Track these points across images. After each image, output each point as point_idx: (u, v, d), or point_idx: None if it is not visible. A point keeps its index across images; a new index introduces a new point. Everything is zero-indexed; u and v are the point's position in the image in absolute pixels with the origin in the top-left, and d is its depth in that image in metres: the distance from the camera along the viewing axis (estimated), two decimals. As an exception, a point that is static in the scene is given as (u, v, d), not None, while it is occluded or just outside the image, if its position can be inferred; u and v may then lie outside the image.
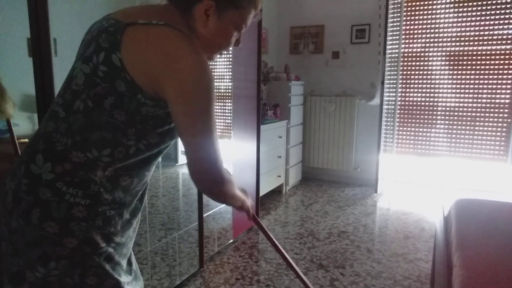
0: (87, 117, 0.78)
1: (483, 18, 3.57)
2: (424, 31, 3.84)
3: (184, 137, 0.79)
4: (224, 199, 0.92)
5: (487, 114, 3.66)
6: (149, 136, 0.83)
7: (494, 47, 3.57)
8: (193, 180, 0.82)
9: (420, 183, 4.12)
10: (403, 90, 4.03)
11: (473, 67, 3.66)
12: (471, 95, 3.71)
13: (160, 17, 0.80)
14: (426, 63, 3.89)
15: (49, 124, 0.81)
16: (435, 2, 3.76)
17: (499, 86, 3.59)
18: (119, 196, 0.84)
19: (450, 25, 3.73)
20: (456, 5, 3.67)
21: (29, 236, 0.78)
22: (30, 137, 0.87)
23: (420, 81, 3.93)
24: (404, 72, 3.99)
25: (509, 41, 3.50)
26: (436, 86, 3.86)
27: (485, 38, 3.59)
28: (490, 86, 3.62)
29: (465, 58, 3.69)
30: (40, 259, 0.78)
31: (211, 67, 0.83)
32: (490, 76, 3.61)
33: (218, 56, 0.98)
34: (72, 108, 0.79)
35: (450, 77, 3.79)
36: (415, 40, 3.90)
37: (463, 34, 3.67)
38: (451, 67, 3.77)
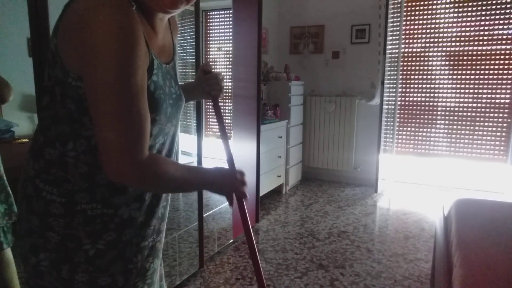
0: (50, 111, 0.76)
1: (483, 18, 3.57)
2: (424, 31, 3.84)
3: (97, 116, 0.71)
4: (161, 190, 0.84)
5: (487, 114, 3.66)
6: None
7: (494, 47, 3.57)
8: (106, 164, 0.70)
9: (420, 183, 4.12)
10: (403, 90, 4.03)
11: (473, 67, 3.66)
12: (471, 95, 3.71)
13: None
14: (426, 63, 3.89)
15: (36, 131, 0.82)
16: (435, 2, 3.76)
17: (499, 86, 3.59)
18: (102, 195, 0.78)
19: (450, 25, 3.73)
20: (456, 5, 3.67)
21: (22, 226, 0.82)
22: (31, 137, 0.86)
23: (420, 81, 3.93)
24: (404, 72, 3.99)
25: (509, 41, 3.50)
26: (436, 86, 3.86)
27: (485, 38, 3.59)
28: (490, 86, 3.62)
29: (465, 58, 3.69)
30: (31, 249, 0.80)
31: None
32: (490, 76, 3.61)
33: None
34: (42, 104, 0.78)
35: (450, 77, 3.79)
36: (415, 40, 3.90)
37: (463, 34, 3.68)
38: (451, 67, 3.77)
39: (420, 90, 3.95)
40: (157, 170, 0.74)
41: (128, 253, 0.84)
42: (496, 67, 3.57)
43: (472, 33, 3.64)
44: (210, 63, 5.00)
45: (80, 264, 0.80)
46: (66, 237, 0.78)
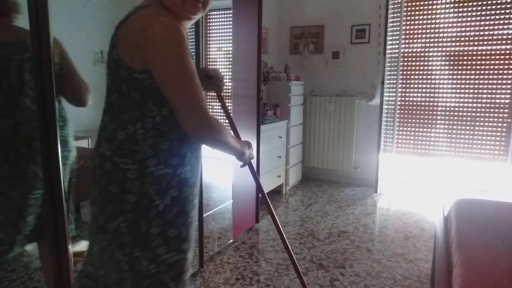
0: (119, 104, 1.02)
1: (483, 18, 3.57)
2: (424, 31, 3.84)
3: (176, 97, 0.98)
4: (222, 145, 1.09)
5: (487, 114, 3.66)
6: (168, 103, 1.00)
7: (494, 47, 3.57)
8: (191, 128, 0.99)
9: (420, 183, 4.12)
10: (403, 90, 4.03)
11: (473, 67, 3.66)
12: (471, 95, 3.71)
13: (141, 3, 1.01)
14: (426, 63, 3.89)
15: (104, 118, 1.06)
16: (435, 2, 3.76)
17: (499, 86, 3.59)
18: (164, 158, 1.04)
19: (450, 25, 3.73)
20: (456, 5, 3.67)
21: (103, 198, 1.04)
22: None
23: (420, 81, 3.93)
24: (404, 72, 3.99)
25: (509, 41, 3.50)
26: (436, 86, 3.86)
27: (485, 38, 3.59)
28: (490, 86, 3.62)
29: (465, 58, 3.69)
30: (112, 215, 1.03)
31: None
32: (490, 76, 3.61)
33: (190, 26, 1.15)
34: (110, 101, 1.04)
35: (450, 77, 3.79)
36: (415, 40, 3.90)
37: (463, 34, 3.68)
38: (451, 67, 3.77)
39: (420, 90, 3.95)
40: (219, 125, 1.03)
41: (187, 208, 1.10)
42: (496, 67, 3.57)
43: (472, 33, 3.63)
44: (208, 65, 5.00)
45: (153, 219, 1.03)
46: (141, 196, 1.02)
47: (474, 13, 3.60)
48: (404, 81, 4.01)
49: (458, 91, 3.77)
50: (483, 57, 3.62)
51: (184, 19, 1.06)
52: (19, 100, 1.47)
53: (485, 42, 3.59)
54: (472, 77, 3.68)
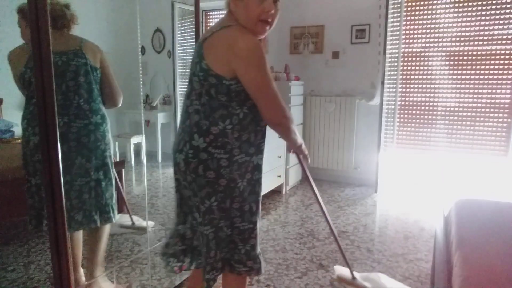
0: (209, 105, 1.27)
1: (483, 18, 3.57)
2: (424, 31, 3.84)
3: (260, 98, 1.26)
4: (289, 133, 1.38)
5: (487, 114, 3.66)
6: (247, 102, 1.28)
7: (494, 47, 3.57)
8: (271, 120, 1.28)
9: (420, 183, 4.12)
10: (403, 90, 4.03)
11: (473, 67, 3.66)
12: (471, 95, 3.71)
13: (222, 23, 1.29)
14: (426, 63, 3.89)
15: (193, 117, 1.30)
16: (435, 2, 3.76)
17: (499, 86, 3.59)
18: (245, 148, 1.32)
19: (450, 25, 3.73)
20: (456, 5, 3.67)
21: (199, 183, 1.29)
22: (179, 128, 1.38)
23: (420, 81, 3.93)
24: (404, 72, 3.99)
25: (509, 41, 3.50)
26: (436, 86, 3.86)
27: (485, 38, 3.59)
28: (490, 86, 3.62)
29: (465, 58, 3.69)
30: (206, 196, 1.30)
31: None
32: (490, 76, 3.60)
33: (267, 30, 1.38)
34: (201, 103, 1.28)
35: (450, 77, 3.79)
36: (415, 40, 3.90)
37: (463, 34, 3.67)
38: (451, 67, 3.77)
39: (420, 90, 3.95)
40: (291, 117, 1.34)
41: (257, 188, 1.39)
42: (496, 67, 3.57)
43: (472, 33, 3.63)
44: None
45: (235, 197, 1.33)
46: (230, 179, 1.30)
47: (474, 13, 3.60)
48: (404, 81, 4.01)
49: (458, 91, 3.77)
50: (483, 57, 3.62)
51: (255, 36, 1.30)
52: (73, 100, 1.69)
53: (485, 42, 3.59)
54: (472, 77, 3.68)
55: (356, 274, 1.93)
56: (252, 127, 1.33)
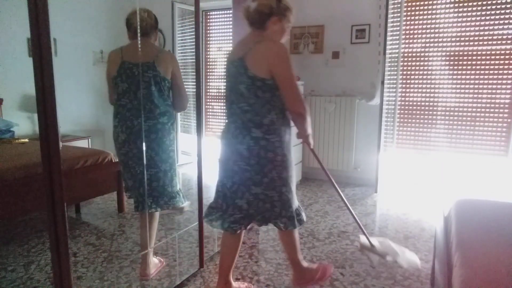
0: (257, 104, 1.67)
1: (483, 18, 3.57)
2: (424, 31, 3.84)
3: (286, 83, 1.65)
4: (305, 121, 1.74)
5: (487, 114, 3.66)
6: (280, 96, 1.69)
7: (494, 47, 3.57)
8: (294, 109, 1.70)
9: (420, 183, 4.12)
10: (403, 90, 4.03)
11: (473, 67, 3.66)
12: (471, 95, 3.71)
13: (253, 39, 1.68)
14: (426, 63, 3.89)
15: (245, 116, 1.69)
16: (435, 2, 3.76)
17: (499, 86, 3.59)
18: (285, 131, 1.75)
19: (450, 25, 3.73)
20: (456, 5, 3.67)
21: (262, 163, 1.70)
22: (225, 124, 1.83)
23: (420, 81, 3.93)
24: (404, 72, 3.99)
25: (509, 41, 3.50)
26: (436, 86, 3.86)
27: (485, 38, 3.59)
28: (490, 86, 3.62)
29: (465, 58, 3.69)
30: (268, 171, 1.71)
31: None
32: (490, 76, 3.61)
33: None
34: (250, 103, 1.68)
35: (450, 77, 3.79)
36: (415, 40, 3.90)
37: (463, 34, 3.68)
38: (451, 67, 3.77)
39: (420, 90, 3.95)
40: (307, 109, 1.72)
41: (292, 161, 1.81)
42: (496, 67, 3.57)
43: (472, 33, 3.64)
44: (208, 65, 4.96)
45: (287, 168, 1.76)
46: (282, 156, 1.73)
47: (474, 13, 3.60)
48: (404, 81, 4.01)
49: (458, 91, 3.77)
50: (483, 57, 3.62)
51: (283, 38, 1.81)
52: (145, 105, 2.03)
53: (485, 42, 3.59)
54: (472, 77, 3.68)
55: (373, 241, 2.16)
56: (287, 115, 1.77)
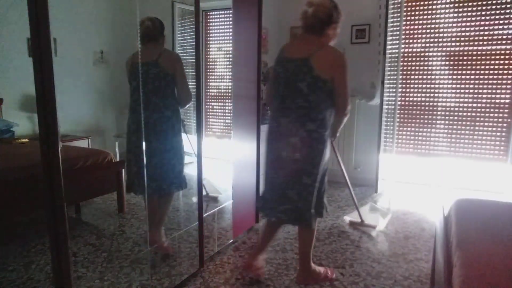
0: (315, 101, 1.86)
1: (483, 18, 3.57)
2: (424, 31, 3.84)
3: (341, 89, 1.88)
4: (343, 122, 2.04)
5: (487, 114, 3.66)
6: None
7: (494, 47, 3.57)
8: (342, 109, 1.93)
9: (420, 183, 4.12)
10: (403, 90, 4.03)
11: (473, 67, 3.66)
12: (471, 95, 3.71)
13: (316, 44, 1.87)
14: (426, 63, 3.89)
15: (301, 111, 1.87)
16: (435, 2, 3.76)
17: (499, 86, 3.59)
18: (329, 127, 1.97)
19: (450, 25, 3.73)
20: (456, 5, 3.67)
21: (313, 154, 1.90)
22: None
23: (420, 81, 3.93)
24: (404, 72, 3.99)
25: (509, 41, 3.50)
26: (436, 86, 3.86)
27: (485, 38, 3.59)
28: (490, 86, 3.62)
29: (465, 58, 3.70)
30: (318, 162, 1.92)
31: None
32: (490, 76, 3.61)
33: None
34: (308, 100, 1.86)
35: (450, 77, 3.79)
36: (415, 40, 3.90)
37: (463, 34, 3.68)
38: (451, 67, 3.77)
39: (420, 90, 3.95)
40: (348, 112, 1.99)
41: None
42: (496, 67, 3.57)
43: (472, 33, 3.64)
44: (208, 65, 4.99)
45: (326, 153, 1.96)
46: (328, 147, 1.96)
47: (474, 13, 3.60)
48: (404, 81, 4.01)
49: (458, 91, 3.77)
50: (483, 57, 3.62)
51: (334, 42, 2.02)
52: (151, 99, 2.25)
53: (485, 42, 3.59)
54: (472, 77, 3.68)
55: (362, 214, 2.82)
56: (333, 113, 1.98)
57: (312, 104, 1.86)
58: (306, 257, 2.11)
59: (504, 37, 3.52)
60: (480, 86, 3.66)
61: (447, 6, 3.71)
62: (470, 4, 3.60)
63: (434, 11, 3.77)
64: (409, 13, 3.88)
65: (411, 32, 3.90)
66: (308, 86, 1.83)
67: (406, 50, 3.95)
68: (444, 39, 3.76)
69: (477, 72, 3.65)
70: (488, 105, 3.65)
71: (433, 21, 3.79)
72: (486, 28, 3.57)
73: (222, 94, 5.20)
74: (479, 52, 3.63)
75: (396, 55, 3.91)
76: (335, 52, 1.87)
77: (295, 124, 1.88)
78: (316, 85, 1.83)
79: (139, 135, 2.27)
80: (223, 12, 4.78)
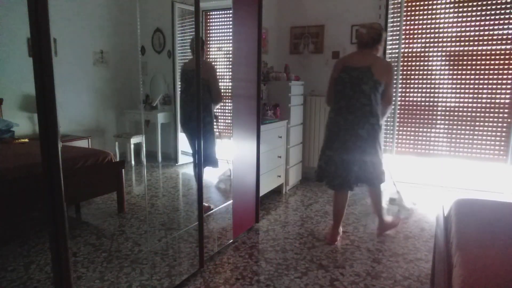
0: (375, 100, 2.48)
1: (483, 18, 3.57)
2: (424, 31, 3.84)
3: (389, 89, 2.54)
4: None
5: (487, 114, 3.66)
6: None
7: (494, 47, 3.57)
8: (390, 102, 2.58)
9: (420, 183, 4.12)
10: (403, 90, 4.03)
11: (473, 67, 3.66)
12: (471, 95, 3.71)
13: (372, 56, 2.54)
14: (426, 63, 3.89)
15: (365, 108, 2.46)
16: (435, 2, 3.76)
17: (499, 86, 3.59)
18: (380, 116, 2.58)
19: (450, 25, 3.73)
20: (456, 5, 3.67)
21: (373, 143, 2.53)
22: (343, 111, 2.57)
23: (420, 81, 3.93)
24: (404, 72, 3.99)
25: (509, 41, 3.50)
26: (436, 86, 3.86)
27: (485, 38, 3.59)
28: (490, 86, 3.62)
29: (465, 58, 3.70)
30: (376, 144, 2.54)
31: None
32: (490, 76, 3.61)
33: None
34: (370, 99, 2.46)
35: (450, 77, 3.79)
36: (415, 40, 3.90)
37: (463, 34, 3.68)
38: (451, 67, 3.77)
39: (420, 90, 3.95)
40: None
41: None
42: (496, 67, 3.57)
43: (472, 33, 3.64)
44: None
45: (382, 136, 2.68)
46: (381, 131, 2.57)
47: (474, 13, 3.60)
48: (404, 81, 4.00)
49: (458, 91, 3.77)
50: (483, 57, 3.62)
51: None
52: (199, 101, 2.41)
53: (485, 42, 3.59)
54: (472, 77, 3.68)
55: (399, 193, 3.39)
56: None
57: (373, 102, 2.46)
58: (381, 211, 2.80)
59: (504, 37, 3.52)
60: (480, 86, 3.66)
61: (447, 6, 3.71)
62: (470, 4, 3.60)
63: (434, 11, 3.77)
64: (409, 13, 3.88)
65: (411, 32, 3.90)
66: (370, 88, 2.44)
67: (406, 50, 3.95)
68: (444, 39, 3.76)
69: (477, 72, 3.65)
70: (488, 105, 3.65)
71: (433, 21, 3.79)
72: (486, 28, 3.57)
73: (222, 94, 5.20)
74: (479, 52, 3.63)
75: (396, 55, 3.91)
76: (387, 62, 2.66)
77: (361, 119, 2.46)
78: (375, 87, 2.44)
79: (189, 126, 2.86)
80: (223, 12, 4.78)
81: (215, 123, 3.09)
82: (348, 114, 2.49)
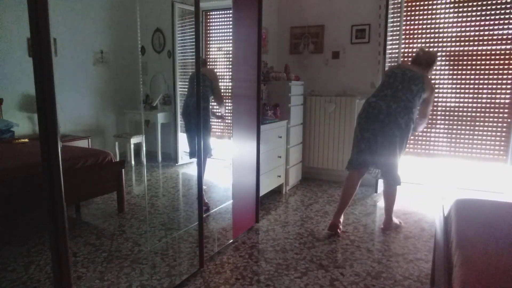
0: (415, 101, 2.76)
1: (483, 18, 3.57)
2: (424, 31, 3.84)
3: (429, 105, 2.88)
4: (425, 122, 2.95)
5: (487, 114, 3.66)
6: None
7: (494, 47, 3.57)
8: (427, 116, 2.89)
9: (420, 183, 4.12)
10: (403, 90, 4.02)
11: (473, 67, 3.66)
12: (471, 95, 3.71)
13: (422, 70, 2.86)
14: (426, 63, 3.88)
15: (409, 104, 2.71)
16: (435, 2, 3.76)
17: (499, 86, 3.59)
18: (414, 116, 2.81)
19: (450, 25, 3.73)
20: (456, 5, 3.67)
21: (406, 134, 2.76)
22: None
23: (420, 81, 3.92)
24: (404, 72, 3.98)
25: (509, 41, 3.50)
26: (436, 86, 3.86)
27: (485, 38, 3.59)
28: (490, 86, 3.62)
29: (465, 58, 3.69)
30: (405, 138, 2.78)
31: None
32: (490, 76, 3.60)
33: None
34: (414, 99, 2.74)
35: (450, 77, 3.79)
36: (415, 40, 3.90)
37: (463, 34, 3.67)
38: (451, 67, 3.77)
39: (420, 90, 3.94)
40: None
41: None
42: (496, 67, 3.57)
43: (472, 33, 3.63)
44: (209, 65, 5.03)
45: (410, 130, 2.80)
46: (412, 126, 2.78)
47: (474, 13, 3.60)
48: (404, 81, 4.00)
49: (458, 91, 3.77)
50: (483, 57, 3.62)
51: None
52: (204, 103, 2.43)
53: (485, 42, 3.59)
54: (472, 77, 3.68)
55: None
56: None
57: (414, 103, 2.72)
58: (391, 210, 2.96)
59: (504, 37, 3.52)
60: (480, 86, 3.66)
61: (447, 6, 3.71)
62: (470, 4, 3.60)
63: (434, 11, 3.77)
64: (409, 13, 3.88)
65: (411, 32, 3.90)
66: (417, 90, 2.72)
67: (406, 50, 3.95)
68: (444, 39, 3.76)
69: (477, 72, 3.65)
70: (488, 105, 3.65)
71: (433, 21, 3.79)
72: (486, 28, 3.57)
73: (222, 94, 5.20)
74: (479, 52, 3.63)
75: (396, 55, 3.91)
76: (432, 83, 3.00)
77: (403, 110, 2.67)
78: (419, 92, 2.73)
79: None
80: (223, 12, 4.78)
81: (220, 122, 3.52)
82: (392, 102, 2.69)
